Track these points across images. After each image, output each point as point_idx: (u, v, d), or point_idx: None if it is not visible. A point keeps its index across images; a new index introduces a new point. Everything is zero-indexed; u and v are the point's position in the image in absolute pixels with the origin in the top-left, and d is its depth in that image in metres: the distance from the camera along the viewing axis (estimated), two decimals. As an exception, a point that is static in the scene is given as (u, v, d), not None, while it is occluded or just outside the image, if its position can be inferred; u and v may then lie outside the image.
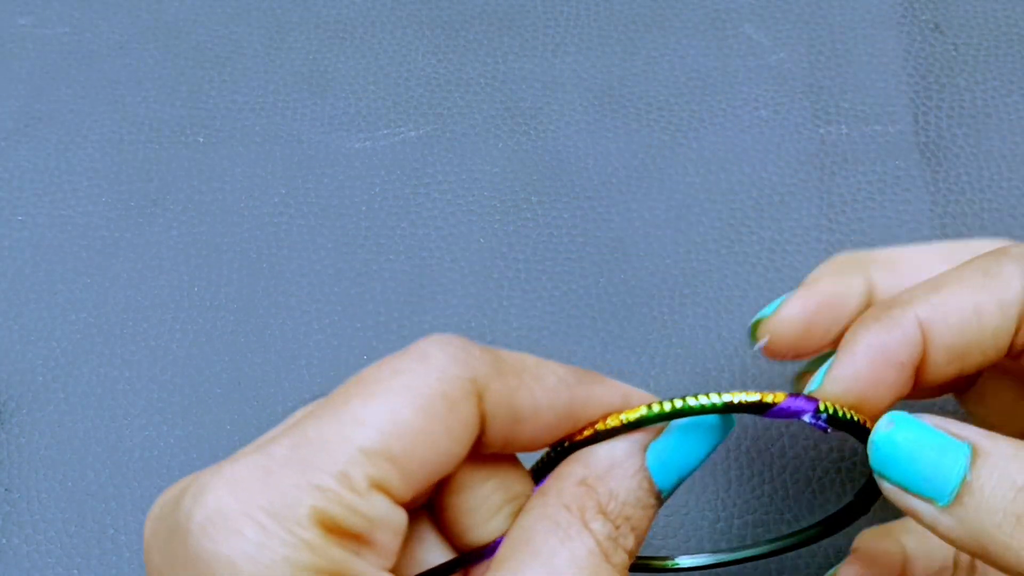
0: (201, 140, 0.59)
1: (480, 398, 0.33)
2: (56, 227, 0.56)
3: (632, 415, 0.35)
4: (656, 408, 0.35)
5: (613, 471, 0.34)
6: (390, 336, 0.53)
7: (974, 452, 0.33)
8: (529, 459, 0.37)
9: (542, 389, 0.34)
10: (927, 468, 0.33)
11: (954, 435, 0.33)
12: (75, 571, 0.48)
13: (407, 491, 0.32)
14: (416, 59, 0.61)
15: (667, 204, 0.55)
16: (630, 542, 0.34)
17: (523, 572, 0.32)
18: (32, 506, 0.50)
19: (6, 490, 0.50)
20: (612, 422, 0.35)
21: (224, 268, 0.55)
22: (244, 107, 0.60)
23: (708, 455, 0.36)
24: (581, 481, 0.34)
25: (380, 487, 0.31)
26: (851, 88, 0.57)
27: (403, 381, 0.32)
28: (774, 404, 0.34)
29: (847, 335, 0.37)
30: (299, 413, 0.34)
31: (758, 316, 0.42)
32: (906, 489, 0.34)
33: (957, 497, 0.33)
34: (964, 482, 0.32)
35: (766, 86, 0.58)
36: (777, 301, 0.42)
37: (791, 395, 0.35)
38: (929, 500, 0.33)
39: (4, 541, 0.49)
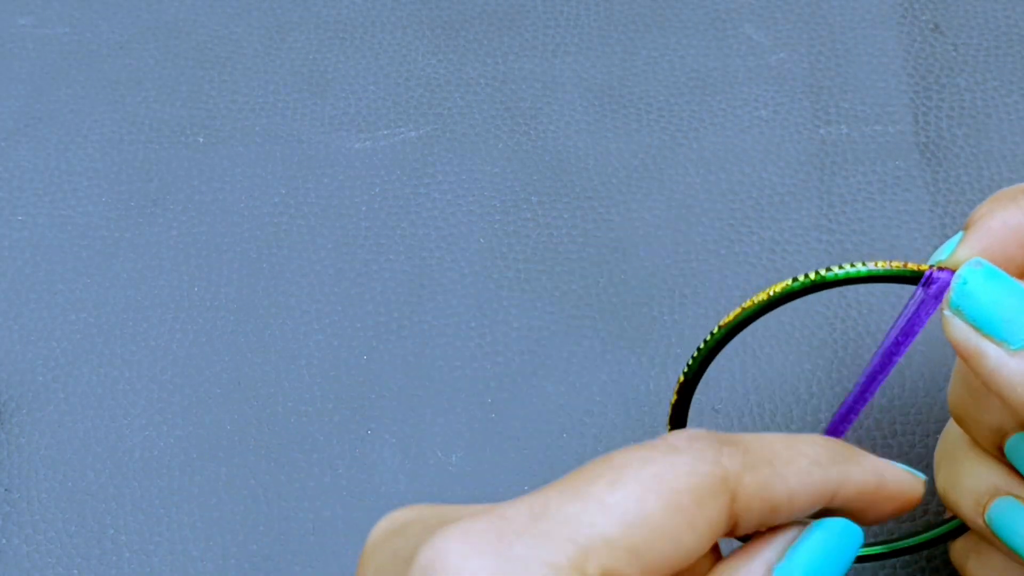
0: (201, 140, 0.59)
1: (732, 497, 0.32)
2: (56, 227, 0.56)
3: (778, 288, 0.35)
4: (800, 279, 0.35)
5: None
6: (390, 336, 0.53)
7: None
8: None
9: (795, 475, 0.33)
10: (1007, 311, 0.34)
11: None
12: (75, 571, 0.48)
13: None
14: (416, 59, 0.61)
15: (667, 204, 0.55)
16: None
17: None
18: (32, 506, 0.49)
19: (6, 490, 0.50)
20: (760, 297, 0.35)
21: (224, 268, 0.55)
22: (244, 107, 0.60)
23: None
24: None
25: None
26: (851, 88, 0.57)
27: (652, 472, 0.31)
28: (921, 272, 0.36)
29: (981, 211, 0.37)
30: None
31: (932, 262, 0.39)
32: (979, 329, 0.34)
33: None
34: None
35: (766, 86, 0.58)
36: (949, 244, 0.39)
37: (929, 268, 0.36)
38: (1001, 343, 0.34)
39: (4, 541, 0.49)
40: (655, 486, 0.31)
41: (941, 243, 0.52)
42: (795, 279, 0.35)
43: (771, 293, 0.35)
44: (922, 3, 0.60)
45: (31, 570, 0.48)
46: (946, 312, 0.35)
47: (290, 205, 0.57)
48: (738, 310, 0.35)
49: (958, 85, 0.57)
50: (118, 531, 0.49)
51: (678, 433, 0.33)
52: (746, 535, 0.34)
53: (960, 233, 0.37)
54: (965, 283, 0.35)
